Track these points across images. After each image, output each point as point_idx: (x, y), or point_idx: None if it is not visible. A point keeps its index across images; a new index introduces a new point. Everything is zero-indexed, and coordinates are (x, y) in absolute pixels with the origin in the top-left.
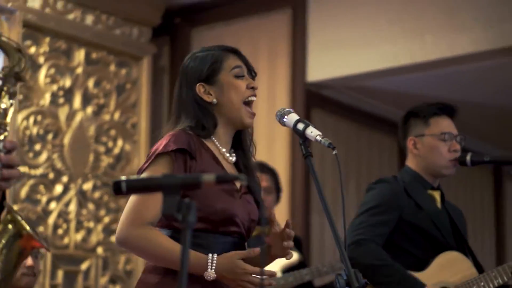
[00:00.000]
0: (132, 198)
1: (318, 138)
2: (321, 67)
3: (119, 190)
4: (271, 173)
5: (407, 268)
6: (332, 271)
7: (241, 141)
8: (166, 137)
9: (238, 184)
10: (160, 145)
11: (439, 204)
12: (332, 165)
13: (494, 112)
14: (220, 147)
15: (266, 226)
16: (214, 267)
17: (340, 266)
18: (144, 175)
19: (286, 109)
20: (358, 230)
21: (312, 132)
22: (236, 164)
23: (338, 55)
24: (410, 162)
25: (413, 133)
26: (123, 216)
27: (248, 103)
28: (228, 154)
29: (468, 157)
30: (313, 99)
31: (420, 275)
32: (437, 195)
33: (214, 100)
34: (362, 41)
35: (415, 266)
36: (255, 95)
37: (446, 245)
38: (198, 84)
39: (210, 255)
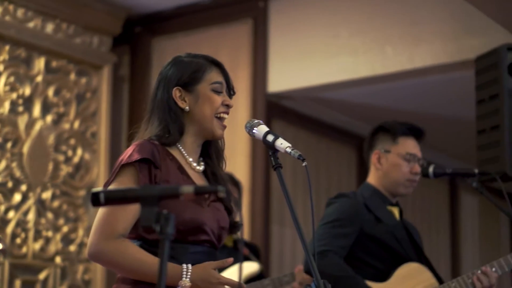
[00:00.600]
0: (102, 211)
1: (288, 149)
2: (282, 78)
3: (97, 201)
4: (237, 186)
5: (370, 279)
6: (293, 280)
7: (210, 151)
8: (131, 147)
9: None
10: (125, 156)
11: (397, 218)
12: (291, 176)
13: (452, 124)
14: (187, 156)
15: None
16: (189, 277)
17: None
18: (111, 187)
19: (256, 121)
20: (321, 241)
21: (282, 144)
22: (204, 172)
23: (299, 66)
24: (371, 178)
25: (379, 147)
26: (93, 230)
27: (219, 118)
28: (195, 164)
29: (431, 169)
30: (273, 110)
31: (382, 286)
32: (395, 211)
33: (187, 107)
34: (323, 53)
35: (376, 278)
36: (227, 113)
37: (406, 257)
38: (175, 88)
39: (184, 265)
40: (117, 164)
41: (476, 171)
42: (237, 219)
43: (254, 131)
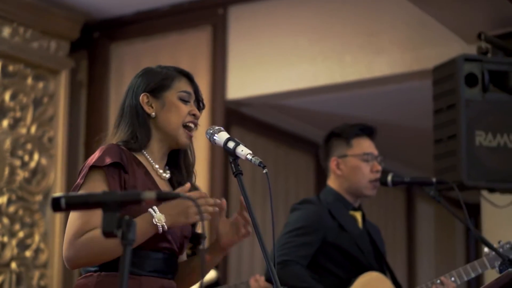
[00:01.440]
0: (71, 216)
1: (249, 156)
2: (241, 85)
3: (58, 206)
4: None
5: (331, 287)
6: None
7: (179, 161)
8: (98, 151)
9: None
10: (92, 159)
11: (360, 225)
12: (250, 183)
13: (409, 134)
14: (153, 163)
15: (203, 242)
16: (157, 211)
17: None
18: (81, 191)
19: (217, 127)
20: (282, 250)
21: (243, 151)
22: (170, 180)
23: (258, 74)
24: (332, 182)
25: (335, 153)
26: (65, 237)
27: (187, 127)
28: (161, 171)
29: (389, 178)
30: (232, 117)
31: None
32: (358, 215)
33: (153, 113)
34: (282, 60)
35: (338, 286)
36: (195, 123)
37: (367, 265)
38: (143, 94)
39: (149, 209)
40: (85, 166)
41: (434, 180)
42: (200, 230)
43: (215, 137)
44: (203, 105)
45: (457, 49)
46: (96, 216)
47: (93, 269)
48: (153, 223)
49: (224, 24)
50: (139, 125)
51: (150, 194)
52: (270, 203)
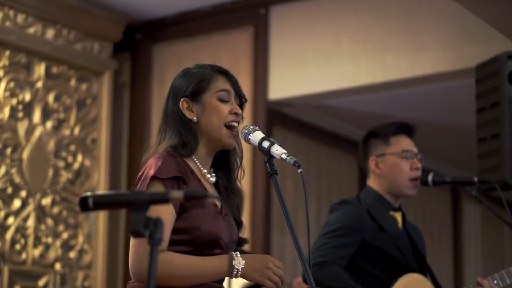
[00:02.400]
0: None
1: (284, 156)
2: (283, 85)
3: (86, 206)
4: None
5: None
6: None
7: (223, 162)
8: (154, 161)
9: (219, 205)
10: (150, 168)
11: (400, 225)
12: (294, 182)
13: (454, 133)
14: (201, 167)
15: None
16: (239, 256)
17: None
18: None
19: (251, 127)
20: (320, 251)
21: (278, 150)
22: (216, 184)
23: (299, 74)
24: (372, 182)
25: (374, 153)
26: (132, 251)
27: (230, 127)
28: (208, 175)
29: (430, 177)
30: (274, 117)
31: None
32: (398, 216)
33: (195, 118)
34: (324, 60)
35: (377, 287)
36: (237, 121)
37: (407, 267)
38: (182, 99)
39: (232, 252)
40: (145, 176)
41: (476, 179)
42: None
43: (249, 137)
44: (245, 99)
45: (501, 46)
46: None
47: None
48: (232, 264)
49: (265, 24)
50: (186, 131)
51: (177, 194)
52: (305, 203)
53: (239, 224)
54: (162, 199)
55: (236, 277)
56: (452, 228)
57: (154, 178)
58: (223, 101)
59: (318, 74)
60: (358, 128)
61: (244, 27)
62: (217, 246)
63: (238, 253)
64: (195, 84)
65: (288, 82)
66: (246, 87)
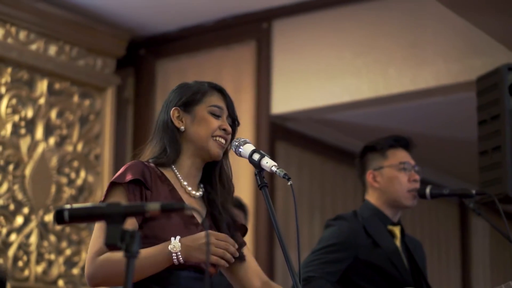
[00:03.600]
0: (94, 233)
1: (274, 168)
2: (286, 100)
3: (62, 219)
4: (243, 210)
5: None
6: None
7: (212, 177)
8: (123, 168)
9: (198, 218)
10: (116, 175)
11: (398, 240)
12: (297, 196)
13: (455, 145)
14: (182, 180)
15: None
16: (177, 239)
17: None
18: None
19: (242, 139)
20: (309, 267)
21: (268, 163)
22: (203, 198)
23: (302, 88)
24: (370, 197)
25: (371, 166)
26: (88, 253)
27: (216, 141)
28: (190, 188)
29: (427, 190)
30: (277, 132)
31: None
32: (397, 230)
33: (183, 127)
34: (326, 74)
35: None
36: (225, 138)
37: (402, 282)
38: (174, 108)
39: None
40: (109, 183)
41: (474, 192)
42: (244, 250)
43: (240, 149)
44: (238, 122)
45: (503, 59)
46: None
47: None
48: (168, 250)
49: (268, 38)
50: (169, 140)
51: (154, 206)
52: (295, 216)
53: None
54: (139, 211)
55: (179, 261)
56: (460, 243)
57: (114, 183)
58: (214, 115)
59: (321, 88)
60: (361, 142)
61: (246, 41)
62: None
63: (178, 237)
64: (189, 96)
65: (291, 96)
66: (249, 102)
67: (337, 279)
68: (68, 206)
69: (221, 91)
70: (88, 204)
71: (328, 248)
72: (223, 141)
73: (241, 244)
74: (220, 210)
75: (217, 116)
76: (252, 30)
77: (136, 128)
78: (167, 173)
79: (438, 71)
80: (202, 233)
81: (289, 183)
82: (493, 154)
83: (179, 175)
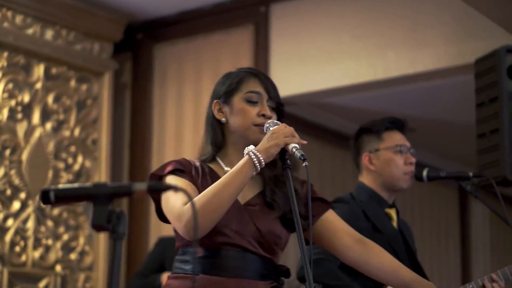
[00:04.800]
0: (168, 199)
1: (293, 150)
2: (284, 84)
3: (47, 199)
4: None
5: None
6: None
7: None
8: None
9: (240, 199)
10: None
11: (395, 223)
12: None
13: (455, 128)
14: (225, 167)
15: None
16: (250, 146)
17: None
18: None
19: (274, 121)
20: (316, 249)
21: (290, 144)
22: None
23: (300, 72)
24: (365, 179)
25: (367, 149)
26: (173, 214)
27: (258, 126)
28: None
29: (424, 173)
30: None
31: None
32: (393, 212)
33: (224, 119)
34: (325, 57)
35: (371, 287)
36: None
37: None
38: (215, 101)
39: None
40: (160, 170)
41: (471, 174)
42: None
43: (270, 129)
44: (281, 103)
45: (502, 41)
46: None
47: (174, 270)
48: (245, 154)
49: (266, 22)
50: (212, 133)
51: (140, 185)
52: (308, 198)
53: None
54: (126, 192)
55: (260, 162)
56: (460, 227)
57: (153, 175)
58: (251, 102)
59: (319, 72)
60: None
61: (244, 25)
62: (219, 234)
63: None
64: (227, 86)
65: (289, 80)
66: None
67: (341, 263)
68: (54, 187)
69: (258, 76)
70: (74, 185)
71: None
72: (267, 125)
73: (319, 212)
74: (273, 186)
75: (254, 103)
76: (250, 14)
77: (133, 112)
78: (213, 165)
79: (437, 54)
80: (270, 131)
81: (304, 164)
82: (491, 136)
83: (222, 164)
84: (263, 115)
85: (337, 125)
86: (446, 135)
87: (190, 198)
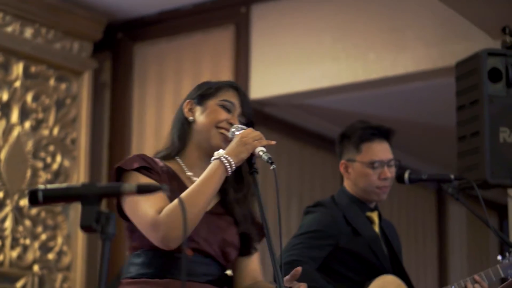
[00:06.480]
0: (136, 205)
1: (260, 153)
2: (264, 85)
3: (35, 199)
4: None
5: None
6: None
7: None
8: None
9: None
10: (120, 164)
11: (376, 226)
12: (263, 178)
13: (434, 132)
14: (186, 169)
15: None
16: (221, 151)
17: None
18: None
19: (240, 126)
20: (293, 251)
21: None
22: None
23: (281, 73)
24: (346, 184)
25: (345, 156)
26: (145, 224)
27: (220, 129)
28: (195, 178)
29: (406, 175)
30: (256, 117)
31: None
32: (375, 216)
33: (192, 118)
34: (306, 59)
35: None
36: (228, 130)
37: (381, 269)
38: (187, 101)
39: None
40: (115, 169)
41: (452, 176)
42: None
43: (235, 134)
44: (252, 122)
45: (483, 44)
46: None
47: (133, 274)
48: (216, 158)
49: (247, 23)
50: (177, 130)
51: (130, 187)
52: (277, 201)
53: (249, 234)
54: (115, 192)
55: (231, 167)
56: (437, 228)
57: (121, 169)
58: (225, 108)
59: (300, 73)
60: (340, 127)
61: (225, 26)
62: (189, 239)
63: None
64: (204, 90)
65: (269, 81)
66: None
67: (318, 266)
68: (42, 187)
69: (237, 90)
70: (62, 185)
71: (310, 234)
72: (226, 132)
73: (254, 240)
74: (231, 200)
75: (227, 110)
76: (231, 15)
77: (113, 112)
78: (172, 165)
79: (418, 56)
80: (235, 136)
81: (271, 167)
82: (472, 139)
83: (183, 165)
84: (231, 124)
85: (317, 126)
86: (426, 138)
87: (165, 205)
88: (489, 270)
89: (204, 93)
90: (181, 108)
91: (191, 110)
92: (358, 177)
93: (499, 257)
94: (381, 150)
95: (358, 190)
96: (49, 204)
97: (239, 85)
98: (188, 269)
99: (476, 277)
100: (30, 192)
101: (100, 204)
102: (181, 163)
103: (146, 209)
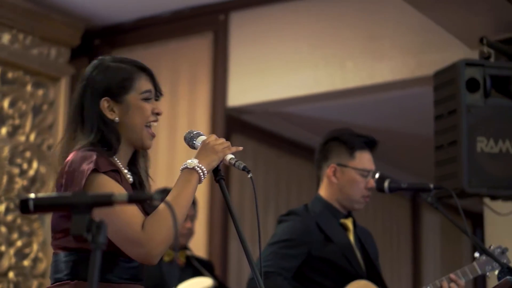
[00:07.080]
0: (117, 219)
1: (232, 161)
2: (242, 92)
3: (26, 208)
4: (193, 203)
5: None
6: None
7: (134, 160)
8: (84, 154)
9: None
10: (82, 163)
11: (351, 233)
12: (240, 186)
13: (412, 141)
14: (122, 167)
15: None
16: (193, 160)
17: None
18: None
19: (195, 132)
20: (266, 262)
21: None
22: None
23: (259, 80)
24: (323, 191)
25: (335, 160)
26: (127, 238)
27: (149, 127)
28: (129, 175)
29: (386, 184)
30: (233, 124)
31: None
32: (349, 223)
33: (116, 118)
34: (283, 67)
35: None
36: (157, 120)
37: (355, 274)
38: (103, 99)
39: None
40: (78, 171)
41: (432, 186)
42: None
43: (194, 142)
44: (161, 93)
45: (460, 54)
46: (134, 206)
47: (65, 277)
48: (189, 168)
49: (225, 30)
50: (108, 131)
51: (121, 196)
52: (256, 209)
53: None
54: (106, 202)
55: (204, 175)
56: (411, 237)
57: (95, 171)
58: (147, 99)
59: (278, 81)
60: (317, 136)
61: (203, 33)
62: None
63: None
64: (118, 83)
65: (247, 88)
66: (205, 94)
67: (292, 274)
68: (33, 196)
69: (146, 70)
70: (53, 194)
71: (282, 243)
72: (155, 124)
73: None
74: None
75: (148, 99)
76: (209, 22)
77: None
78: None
79: (395, 65)
80: (202, 143)
81: (249, 176)
82: (449, 148)
83: (120, 164)
84: (157, 113)
85: (294, 134)
86: (402, 146)
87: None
88: (465, 267)
89: (120, 88)
90: (98, 107)
91: (110, 108)
92: (346, 183)
93: (477, 254)
94: (370, 160)
95: (342, 196)
96: (40, 213)
97: (143, 64)
98: (137, 275)
99: (452, 275)
100: (21, 201)
101: (91, 213)
102: (118, 162)
103: (128, 223)
